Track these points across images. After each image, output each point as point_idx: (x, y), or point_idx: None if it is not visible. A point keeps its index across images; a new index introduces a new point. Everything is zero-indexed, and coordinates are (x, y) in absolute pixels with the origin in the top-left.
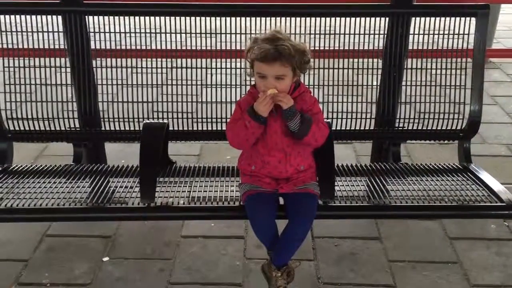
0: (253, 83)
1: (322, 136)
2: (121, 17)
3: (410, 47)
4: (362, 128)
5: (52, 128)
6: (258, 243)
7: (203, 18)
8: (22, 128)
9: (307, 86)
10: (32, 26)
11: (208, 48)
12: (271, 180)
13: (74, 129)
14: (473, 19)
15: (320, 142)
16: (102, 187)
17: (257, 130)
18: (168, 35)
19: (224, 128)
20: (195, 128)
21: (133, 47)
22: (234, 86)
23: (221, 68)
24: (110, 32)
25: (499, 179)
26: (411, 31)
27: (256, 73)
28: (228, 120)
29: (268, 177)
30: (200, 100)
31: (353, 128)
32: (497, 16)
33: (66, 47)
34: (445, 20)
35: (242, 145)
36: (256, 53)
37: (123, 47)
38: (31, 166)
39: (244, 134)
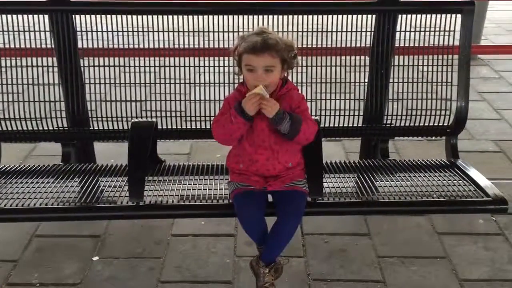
0: (241, 81)
1: (311, 133)
2: (109, 16)
3: (397, 44)
4: (351, 125)
5: (41, 128)
6: (248, 240)
7: (191, 17)
8: (10, 128)
9: (295, 84)
10: (19, 26)
11: (197, 46)
12: (259, 178)
13: (62, 128)
14: (459, 15)
15: (311, 139)
16: (91, 187)
17: (243, 127)
18: (156, 33)
19: None
20: (184, 127)
21: (122, 46)
22: (223, 84)
23: (209, 66)
24: (98, 31)
25: (487, 175)
26: (398, 28)
27: (244, 66)
28: None
29: (256, 175)
30: (189, 99)
31: (341, 125)
32: (485, 13)
33: (53, 47)
34: (431, 17)
35: (226, 140)
36: (245, 46)
37: (111, 46)
38: (20, 166)
39: (229, 129)
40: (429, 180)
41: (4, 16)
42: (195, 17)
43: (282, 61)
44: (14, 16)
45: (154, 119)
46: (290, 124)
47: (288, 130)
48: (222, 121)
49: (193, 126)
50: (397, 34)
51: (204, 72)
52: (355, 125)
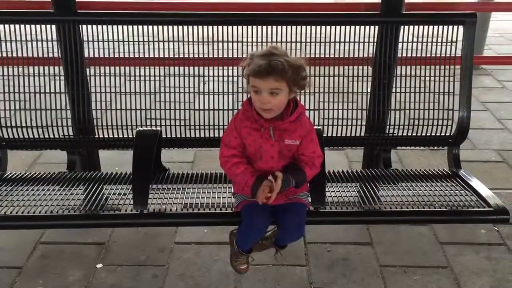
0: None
1: (318, 169)
2: (115, 26)
3: (399, 55)
4: (354, 134)
5: (46, 136)
6: None
7: (196, 27)
8: (16, 136)
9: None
10: (26, 35)
11: (201, 56)
12: None
13: (68, 136)
14: (461, 27)
15: (318, 171)
16: (96, 194)
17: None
18: (161, 43)
19: (217, 135)
20: (188, 135)
21: (127, 55)
22: (227, 93)
23: (214, 76)
24: (103, 41)
25: (489, 185)
26: (401, 39)
27: (251, 87)
28: (221, 128)
29: None
30: (193, 108)
31: (344, 134)
32: (488, 23)
33: (60, 56)
34: (433, 28)
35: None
36: (250, 69)
37: (117, 55)
38: (25, 173)
39: (235, 181)
40: (431, 190)
41: (12, 26)
42: (200, 27)
43: (288, 84)
44: (22, 26)
45: (158, 128)
46: (296, 183)
47: (295, 185)
48: (232, 172)
49: (197, 135)
50: (400, 44)
51: (209, 81)
52: (357, 134)
